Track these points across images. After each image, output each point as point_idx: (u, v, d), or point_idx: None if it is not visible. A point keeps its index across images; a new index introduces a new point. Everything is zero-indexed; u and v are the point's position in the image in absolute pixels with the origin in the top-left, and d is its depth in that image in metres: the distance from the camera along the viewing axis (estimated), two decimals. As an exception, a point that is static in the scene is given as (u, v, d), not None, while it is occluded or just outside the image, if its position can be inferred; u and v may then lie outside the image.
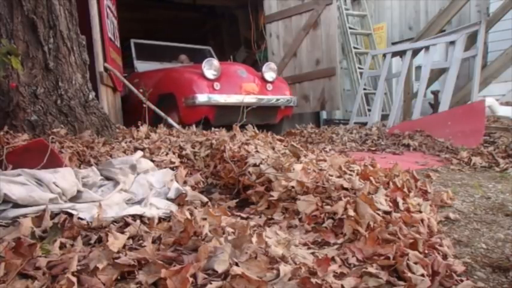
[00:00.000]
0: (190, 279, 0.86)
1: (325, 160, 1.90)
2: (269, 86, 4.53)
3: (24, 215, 1.21)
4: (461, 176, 2.31)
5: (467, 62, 5.46)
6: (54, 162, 1.56)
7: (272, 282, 0.86)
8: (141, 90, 3.80)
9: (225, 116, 3.99)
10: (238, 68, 4.55)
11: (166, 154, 2.16)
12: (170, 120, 3.71)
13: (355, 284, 0.91)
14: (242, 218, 1.38)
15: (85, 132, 2.42)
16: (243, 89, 4.24)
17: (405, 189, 1.61)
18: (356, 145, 3.56)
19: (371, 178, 1.65)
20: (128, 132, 2.89)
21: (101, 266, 0.90)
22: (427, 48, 5.25)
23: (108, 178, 1.62)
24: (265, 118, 4.46)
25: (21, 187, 1.30)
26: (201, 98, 3.97)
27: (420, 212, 1.45)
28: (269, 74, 4.60)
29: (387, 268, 1.00)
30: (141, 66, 5.19)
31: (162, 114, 3.74)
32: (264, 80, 4.52)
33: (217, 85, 4.08)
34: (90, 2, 3.57)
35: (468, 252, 1.21)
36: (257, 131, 2.71)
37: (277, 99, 4.50)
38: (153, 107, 3.80)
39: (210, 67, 4.12)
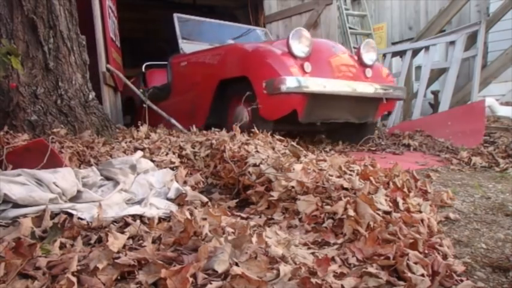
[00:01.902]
0: (190, 279, 0.86)
1: (325, 160, 1.90)
2: (368, 72, 3.27)
3: (24, 215, 1.21)
4: (461, 176, 2.31)
5: (467, 62, 5.47)
6: (54, 162, 1.56)
7: (272, 282, 0.86)
8: (141, 90, 3.79)
9: (318, 110, 3.02)
10: (332, 45, 3.38)
11: (166, 154, 2.16)
12: (173, 121, 3.40)
13: (355, 284, 0.91)
14: (242, 218, 1.38)
15: (85, 132, 2.42)
16: (337, 73, 3.08)
17: (405, 189, 1.61)
18: (356, 145, 3.56)
19: (371, 178, 1.65)
20: (128, 132, 2.90)
21: (101, 266, 0.90)
22: (427, 48, 5.26)
23: (108, 178, 1.62)
24: (363, 114, 3.34)
25: (21, 187, 1.30)
26: (290, 82, 2.78)
27: (420, 212, 1.45)
28: (369, 55, 3.32)
29: (387, 268, 1.00)
30: (187, 47, 4.13)
31: (164, 114, 3.55)
32: (361, 63, 3.29)
33: (307, 66, 2.93)
34: (93, 2, 3.58)
35: (468, 252, 1.21)
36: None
37: (385, 89, 3.25)
38: (154, 107, 3.57)
39: (300, 40, 2.96)
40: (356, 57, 3.33)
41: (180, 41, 4.15)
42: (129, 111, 4.96)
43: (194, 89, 3.69)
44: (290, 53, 2.94)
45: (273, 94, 2.84)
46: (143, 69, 5.34)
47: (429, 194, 1.76)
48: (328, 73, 3.04)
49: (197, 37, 4.32)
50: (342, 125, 3.44)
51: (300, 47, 2.97)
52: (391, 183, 1.65)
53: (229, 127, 2.75)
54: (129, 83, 3.88)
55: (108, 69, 3.72)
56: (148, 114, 3.53)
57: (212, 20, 4.63)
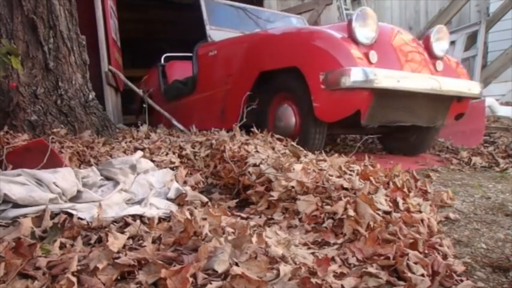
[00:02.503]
0: (190, 279, 0.86)
1: (325, 160, 1.90)
2: (439, 64, 2.68)
3: (24, 215, 1.21)
4: (461, 176, 2.31)
5: (467, 62, 5.46)
6: (54, 162, 1.56)
7: (272, 282, 0.86)
8: (141, 90, 3.78)
9: (383, 111, 2.45)
10: (397, 30, 2.75)
11: (166, 154, 2.16)
12: (175, 122, 3.27)
13: (355, 284, 0.91)
14: (242, 218, 1.38)
15: (85, 132, 2.43)
16: (406, 65, 2.53)
17: (405, 189, 1.61)
18: (356, 145, 3.56)
19: (371, 178, 1.65)
20: (128, 132, 2.90)
21: (101, 266, 0.90)
22: (427, 48, 5.24)
23: (108, 178, 1.62)
24: (433, 117, 2.73)
25: (21, 187, 1.30)
26: (357, 74, 2.23)
27: (420, 212, 1.45)
28: (440, 44, 2.74)
29: (387, 268, 1.00)
30: (216, 35, 3.57)
31: (166, 114, 3.45)
32: (431, 54, 2.70)
33: (373, 55, 2.38)
34: (96, 3, 3.59)
35: (468, 252, 1.21)
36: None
37: (462, 86, 2.66)
38: (157, 107, 3.45)
39: (365, 23, 2.41)
40: (423, 46, 2.74)
41: (207, 27, 3.56)
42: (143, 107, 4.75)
43: (226, 82, 3.14)
44: (352, 39, 2.38)
45: (333, 90, 2.30)
46: (162, 61, 4.93)
47: (429, 194, 1.76)
48: (396, 65, 2.48)
49: (226, 23, 3.72)
50: (396, 128, 2.87)
51: (364, 32, 2.40)
52: (391, 183, 1.65)
53: (270, 129, 2.53)
54: (130, 83, 3.86)
55: (110, 70, 3.73)
56: (168, 113, 3.40)
57: (245, 5, 4.00)
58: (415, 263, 1.00)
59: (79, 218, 1.25)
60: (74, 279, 0.84)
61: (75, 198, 1.41)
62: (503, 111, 4.51)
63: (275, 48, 2.75)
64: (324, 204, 1.39)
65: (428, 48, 2.72)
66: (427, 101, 2.59)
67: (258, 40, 2.97)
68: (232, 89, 3.07)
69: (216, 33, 3.58)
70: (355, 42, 2.39)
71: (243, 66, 2.99)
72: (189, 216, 1.18)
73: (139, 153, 1.96)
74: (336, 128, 2.69)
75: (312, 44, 2.49)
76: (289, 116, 2.66)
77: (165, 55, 4.97)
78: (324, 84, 2.34)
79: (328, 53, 2.38)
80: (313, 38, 2.52)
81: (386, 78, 2.29)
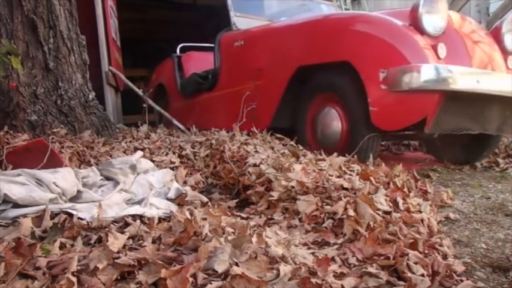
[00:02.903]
0: (190, 279, 0.86)
1: (324, 160, 1.90)
2: (511, 61, 2.29)
3: (24, 215, 1.21)
4: (461, 176, 2.31)
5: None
6: (54, 162, 1.56)
7: (272, 282, 0.86)
8: (141, 90, 3.76)
9: (451, 116, 2.04)
10: (465, 19, 2.33)
11: (166, 154, 2.16)
12: (176, 122, 3.18)
13: (355, 284, 0.91)
14: (242, 218, 1.38)
15: (85, 132, 2.43)
16: (476, 62, 2.10)
17: (405, 189, 1.61)
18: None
19: (371, 178, 1.65)
20: (128, 132, 2.90)
21: (101, 266, 0.90)
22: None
23: (108, 178, 1.62)
24: (503, 123, 2.30)
25: (21, 187, 1.30)
26: (427, 73, 1.87)
27: (420, 212, 1.45)
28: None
29: (387, 268, 1.00)
30: (241, 22, 3.10)
31: (167, 114, 3.34)
32: (503, 49, 2.30)
33: (441, 48, 1.97)
34: (96, 2, 3.59)
35: (468, 252, 1.21)
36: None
37: None
38: (157, 107, 3.34)
39: (432, 8, 1.99)
40: (491, 41, 2.28)
41: (231, 13, 3.09)
42: (159, 101, 4.15)
43: (256, 78, 2.71)
44: (418, 29, 1.95)
45: (397, 91, 1.89)
46: (178, 52, 4.35)
47: (429, 194, 1.76)
48: (466, 61, 2.04)
49: (253, 10, 3.29)
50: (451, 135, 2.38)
51: (433, 20, 1.96)
52: (391, 183, 1.65)
53: (308, 135, 2.25)
54: (130, 83, 3.83)
55: (110, 70, 3.73)
56: (198, 112, 3.23)
57: None
58: (415, 263, 1.00)
59: (79, 218, 1.25)
60: (74, 279, 0.84)
61: (75, 198, 1.41)
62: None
63: (319, 38, 2.24)
64: (324, 204, 1.39)
65: (498, 41, 2.27)
66: (499, 105, 2.20)
67: (297, 29, 2.48)
68: (263, 86, 2.66)
69: (241, 21, 3.03)
70: (421, 32, 1.94)
71: (278, 59, 2.54)
72: (189, 216, 1.18)
73: (139, 153, 1.96)
74: (389, 135, 2.23)
75: (369, 34, 2.01)
76: (334, 121, 2.22)
77: (181, 45, 4.37)
78: (385, 84, 1.91)
79: (391, 46, 1.92)
80: (371, 27, 2.04)
81: (463, 78, 1.90)
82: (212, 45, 3.40)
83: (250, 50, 2.84)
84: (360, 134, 2.08)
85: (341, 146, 2.17)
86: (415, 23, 1.98)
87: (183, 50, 4.40)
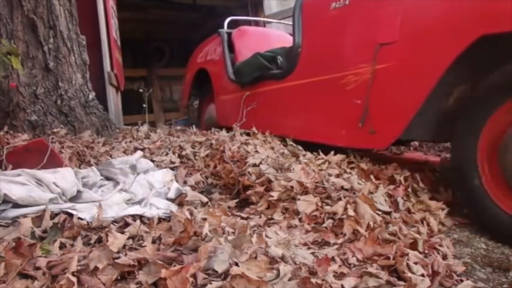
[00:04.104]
0: (190, 279, 0.86)
1: (323, 158, 1.90)
2: None
3: (24, 215, 1.21)
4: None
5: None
6: (54, 162, 1.57)
7: (272, 282, 0.86)
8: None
9: None
10: None
11: (166, 154, 2.16)
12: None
13: (355, 284, 0.91)
14: (242, 218, 1.38)
15: (85, 132, 2.43)
16: None
17: (405, 189, 1.61)
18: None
19: (371, 177, 1.65)
20: (128, 132, 2.90)
21: (101, 266, 0.90)
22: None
23: (108, 178, 1.62)
24: None
25: (21, 187, 1.30)
26: None
27: (420, 211, 1.45)
28: None
29: (387, 268, 1.00)
30: None
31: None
32: None
33: None
34: (98, 2, 3.60)
35: (468, 252, 1.21)
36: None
37: None
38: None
39: None
40: None
41: None
42: (199, 92, 3.57)
43: (373, 58, 1.71)
44: None
45: None
46: (225, 27, 3.29)
47: (429, 194, 1.75)
48: None
49: None
50: None
51: None
52: (391, 183, 1.65)
53: (481, 166, 1.31)
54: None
55: (112, 69, 3.74)
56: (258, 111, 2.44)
57: None
58: (415, 263, 1.00)
59: (79, 218, 1.25)
60: (74, 279, 0.84)
61: (75, 198, 1.41)
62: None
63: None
64: (324, 204, 1.39)
65: None
66: None
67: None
68: (393, 70, 1.66)
69: None
70: None
71: (429, 26, 1.53)
72: (189, 216, 1.18)
73: (139, 153, 1.96)
74: None
75: None
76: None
77: (229, 18, 3.37)
78: None
79: None
80: None
81: None
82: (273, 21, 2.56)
83: (365, 13, 1.83)
84: None
85: None
86: None
87: (232, 25, 3.37)
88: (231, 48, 3.08)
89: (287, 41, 2.90)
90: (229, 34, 3.15)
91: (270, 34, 3.10)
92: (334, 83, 1.95)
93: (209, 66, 3.28)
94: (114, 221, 1.28)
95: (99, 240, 1.12)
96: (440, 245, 1.16)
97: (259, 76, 2.57)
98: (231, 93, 2.90)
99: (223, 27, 3.21)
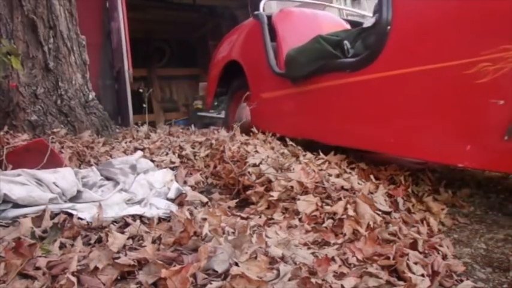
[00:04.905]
0: (190, 279, 0.86)
1: (323, 158, 1.90)
2: None
3: (24, 215, 1.21)
4: (461, 176, 2.31)
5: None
6: (54, 162, 1.57)
7: (272, 282, 0.86)
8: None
9: None
10: None
11: (166, 154, 2.16)
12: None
13: (355, 284, 0.91)
14: (242, 218, 1.38)
15: (85, 132, 2.43)
16: None
17: (405, 189, 1.61)
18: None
19: (371, 177, 1.65)
20: (128, 132, 2.90)
21: (101, 266, 0.90)
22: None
23: (108, 178, 1.62)
24: None
25: (21, 187, 1.30)
26: None
27: (420, 211, 1.45)
28: None
29: (387, 268, 1.00)
30: None
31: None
32: None
33: None
34: (117, 3, 3.66)
35: (468, 252, 1.21)
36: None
37: None
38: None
39: None
40: None
41: None
42: (228, 90, 3.08)
43: None
44: None
45: None
46: (261, 9, 2.78)
47: (429, 194, 1.76)
48: None
49: None
50: None
51: None
52: (391, 183, 1.65)
53: None
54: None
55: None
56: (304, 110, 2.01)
57: None
58: (415, 263, 1.00)
59: (79, 218, 1.25)
60: (74, 279, 0.84)
61: (75, 198, 1.41)
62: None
63: None
64: (324, 204, 1.39)
65: None
66: None
67: None
68: None
69: None
70: None
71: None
72: (189, 216, 1.18)
73: (139, 153, 1.96)
74: None
75: None
76: None
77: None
78: None
79: None
80: None
81: None
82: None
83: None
84: None
85: None
86: None
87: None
88: (272, 35, 2.51)
89: (340, 24, 2.48)
90: (268, 18, 2.56)
91: (320, 16, 2.51)
92: (452, 74, 1.37)
93: (243, 58, 2.72)
94: (114, 221, 1.28)
95: (99, 240, 1.12)
96: (440, 245, 1.16)
97: (320, 67, 1.96)
98: (276, 90, 2.35)
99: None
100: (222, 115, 4.24)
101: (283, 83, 2.26)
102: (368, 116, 1.74)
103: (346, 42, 1.89)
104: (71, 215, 1.26)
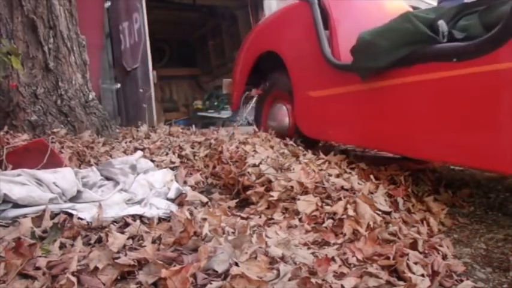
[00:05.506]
0: (190, 279, 0.86)
1: (323, 158, 1.90)
2: None
3: (24, 215, 1.21)
4: (461, 176, 2.31)
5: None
6: (54, 162, 1.56)
7: (272, 282, 0.86)
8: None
9: None
10: None
11: (166, 154, 2.16)
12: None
13: (355, 284, 0.91)
14: (242, 218, 1.38)
15: (85, 132, 2.43)
16: None
17: (405, 189, 1.61)
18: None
19: (371, 177, 1.65)
20: (128, 132, 2.90)
21: (101, 266, 0.90)
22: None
23: (108, 178, 1.62)
24: None
25: (21, 187, 1.30)
26: None
27: (420, 211, 1.45)
28: None
29: (387, 268, 1.00)
30: None
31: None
32: None
33: None
34: (141, 6, 3.81)
35: (468, 252, 1.21)
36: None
37: None
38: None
39: None
40: None
41: None
42: (259, 78, 2.65)
43: None
44: None
45: None
46: None
47: (429, 194, 1.76)
48: None
49: None
50: None
51: None
52: (391, 183, 1.65)
53: None
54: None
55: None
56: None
57: None
58: (415, 263, 1.00)
59: (79, 218, 1.25)
60: (74, 279, 0.84)
61: (75, 198, 1.41)
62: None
63: None
64: (324, 204, 1.39)
65: None
66: None
67: None
68: None
69: None
70: None
71: None
72: (189, 216, 1.18)
73: (139, 153, 1.96)
74: None
75: None
76: None
77: None
78: None
79: None
80: None
81: None
82: None
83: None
84: None
85: None
86: None
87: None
88: (327, 20, 2.05)
89: (406, 8, 2.07)
90: (320, 2, 2.12)
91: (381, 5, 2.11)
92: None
93: (284, 47, 2.26)
94: (114, 221, 1.28)
95: (99, 240, 1.12)
96: (440, 245, 1.16)
97: (408, 56, 1.49)
98: (333, 86, 1.92)
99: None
100: (222, 115, 4.16)
101: (345, 78, 1.81)
102: (486, 124, 1.28)
103: (441, 21, 1.44)
104: (71, 215, 1.26)
